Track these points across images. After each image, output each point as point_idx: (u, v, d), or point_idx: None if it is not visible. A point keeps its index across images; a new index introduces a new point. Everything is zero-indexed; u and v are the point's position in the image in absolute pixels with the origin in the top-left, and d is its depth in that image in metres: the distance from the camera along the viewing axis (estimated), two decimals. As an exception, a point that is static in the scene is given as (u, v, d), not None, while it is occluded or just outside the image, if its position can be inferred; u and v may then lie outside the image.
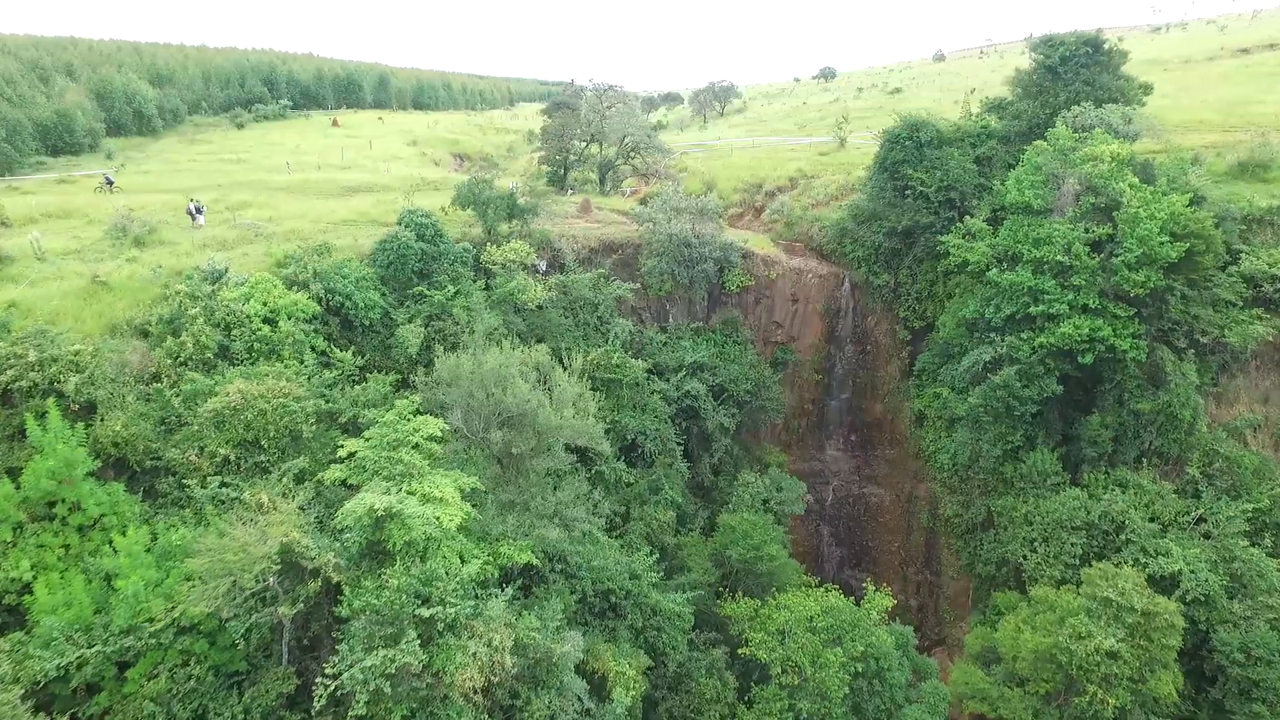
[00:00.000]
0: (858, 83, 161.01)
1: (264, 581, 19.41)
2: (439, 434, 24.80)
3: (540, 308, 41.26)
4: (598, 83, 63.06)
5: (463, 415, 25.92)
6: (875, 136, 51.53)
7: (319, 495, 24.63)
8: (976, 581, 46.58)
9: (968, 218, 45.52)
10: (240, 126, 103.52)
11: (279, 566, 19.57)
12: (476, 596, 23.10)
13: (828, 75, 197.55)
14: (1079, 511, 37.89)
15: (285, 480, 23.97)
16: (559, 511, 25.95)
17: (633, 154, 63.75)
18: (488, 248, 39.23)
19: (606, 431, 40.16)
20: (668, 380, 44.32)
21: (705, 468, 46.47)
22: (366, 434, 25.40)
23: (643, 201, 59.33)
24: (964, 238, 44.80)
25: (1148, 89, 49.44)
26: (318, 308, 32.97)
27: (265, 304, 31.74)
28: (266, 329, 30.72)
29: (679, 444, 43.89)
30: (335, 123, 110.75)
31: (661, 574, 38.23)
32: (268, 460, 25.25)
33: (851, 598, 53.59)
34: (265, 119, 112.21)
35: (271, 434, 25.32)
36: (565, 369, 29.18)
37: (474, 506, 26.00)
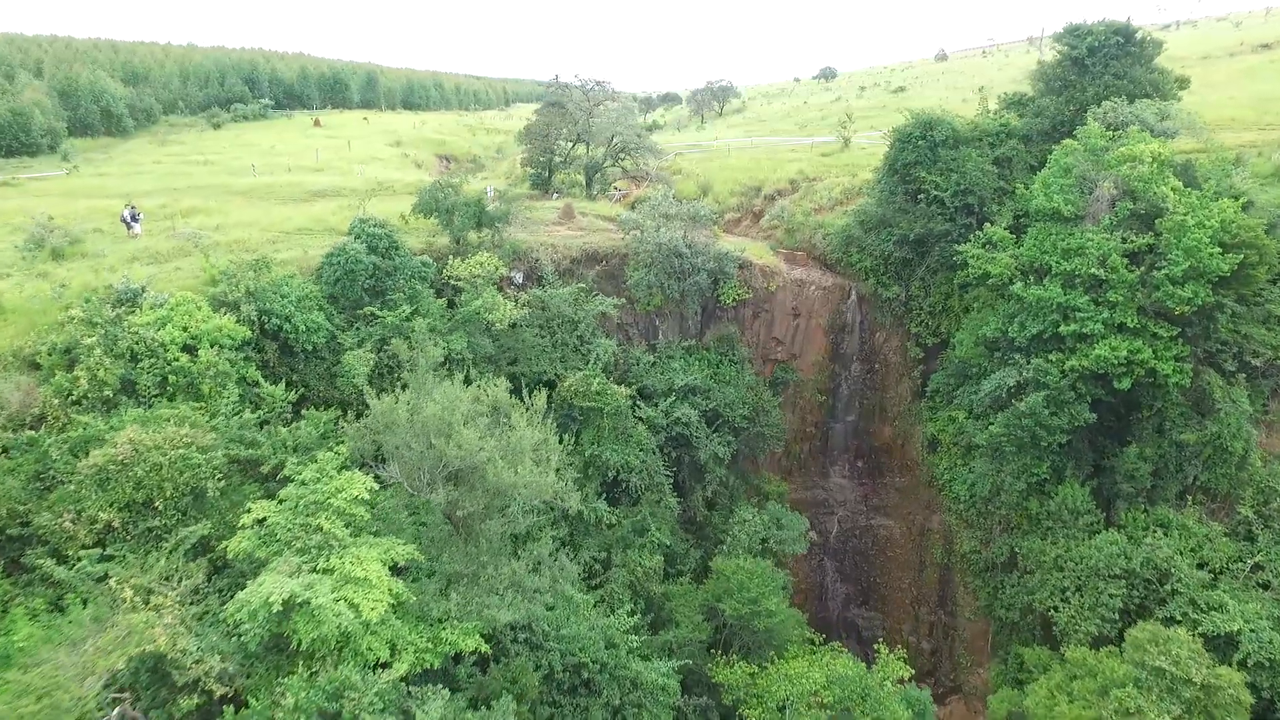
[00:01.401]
0: (859, 82, 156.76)
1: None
2: (366, 495, 20.47)
3: (514, 326, 36.96)
4: (585, 79, 58.67)
5: (401, 468, 21.59)
6: (884, 136, 47.24)
7: (222, 570, 20.28)
8: (996, 625, 42.24)
9: (987, 225, 41.21)
10: (216, 127, 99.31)
11: (128, 697, 15.22)
12: (409, 696, 18.78)
13: (828, 75, 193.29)
14: (1118, 558, 33.56)
15: (177, 554, 19.62)
16: (517, 584, 21.62)
17: (622, 155, 59.42)
18: (451, 261, 34.90)
19: (585, 466, 35.94)
20: (656, 405, 39.97)
21: (698, 501, 42.11)
22: (282, 494, 21.06)
23: (632, 206, 55.03)
24: (984, 247, 40.49)
25: (1184, 83, 45.13)
26: (248, 332, 28.64)
27: (185, 329, 27.42)
28: (184, 359, 26.39)
29: (668, 476, 39.56)
30: (317, 123, 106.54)
31: (646, 627, 33.93)
32: (162, 525, 20.91)
33: (857, 642, 49.44)
34: (245, 119, 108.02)
35: (168, 493, 21.00)
36: (529, 406, 24.81)
37: (413, 579, 21.70)
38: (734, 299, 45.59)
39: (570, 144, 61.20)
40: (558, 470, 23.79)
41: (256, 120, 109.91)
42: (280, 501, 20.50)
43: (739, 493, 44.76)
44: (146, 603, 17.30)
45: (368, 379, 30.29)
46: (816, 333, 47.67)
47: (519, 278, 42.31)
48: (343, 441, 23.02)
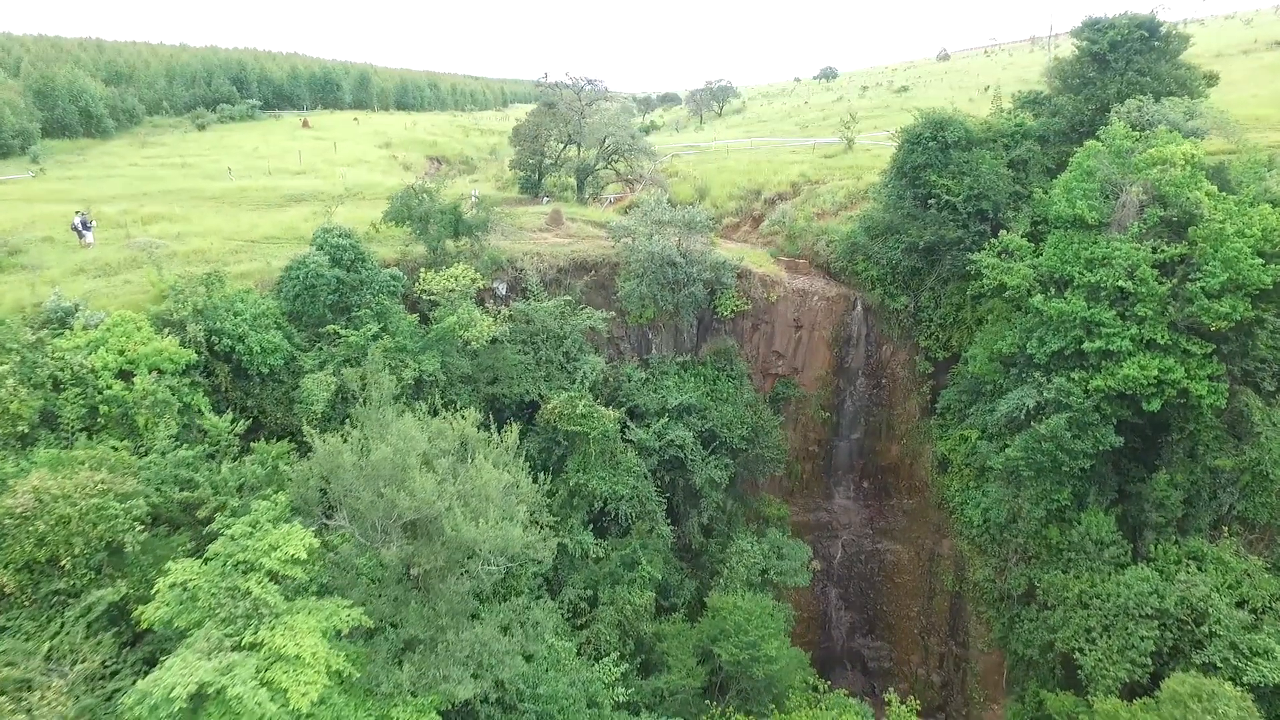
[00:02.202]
0: (860, 82, 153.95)
1: None
2: (304, 554, 17.70)
3: (495, 342, 34.20)
4: (576, 77, 55.90)
5: (350, 517, 18.85)
6: (892, 136, 44.46)
7: (143, 638, 17.53)
8: (1012, 659, 39.43)
9: (1003, 232, 38.41)
10: (201, 128, 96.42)
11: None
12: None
13: (829, 75, 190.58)
14: (1149, 596, 30.77)
15: (78, 626, 16.85)
16: (478, 654, 18.85)
17: (615, 157, 56.65)
18: (424, 274, 32.14)
19: (570, 495, 33.19)
20: (648, 426, 37.20)
21: (693, 527, 39.33)
22: (211, 549, 18.31)
23: (626, 210, 52.31)
24: (1000, 256, 37.71)
25: (1212, 79, 42.35)
26: (194, 355, 25.87)
27: (122, 353, 24.68)
28: (119, 387, 23.65)
29: (662, 502, 36.81)
30: (305, 124, 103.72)
31: (637, 670, 31.19)
32: (69, 588, 18.15)
33: (863, 674, 46.67)
34: (231, 119, 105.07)
35: (78, 550, 18.25)
36: (500, 439, 22.06)
37: (365, 640, 18.92)
38: (732, 310, 42.86)
39: (561, 146, 58.42)
40: (532, 515, 20.98)
41: (244, 121, 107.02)
42: (206, 560, 17.77)
43: (737, 518, 42.02)
44: (19, 702, 14.53)
45: (329, 405, 27.60)
46: (820, 346, 44.92)
47: (502, 289, 39.60)
48: (285, 487, 20.22)
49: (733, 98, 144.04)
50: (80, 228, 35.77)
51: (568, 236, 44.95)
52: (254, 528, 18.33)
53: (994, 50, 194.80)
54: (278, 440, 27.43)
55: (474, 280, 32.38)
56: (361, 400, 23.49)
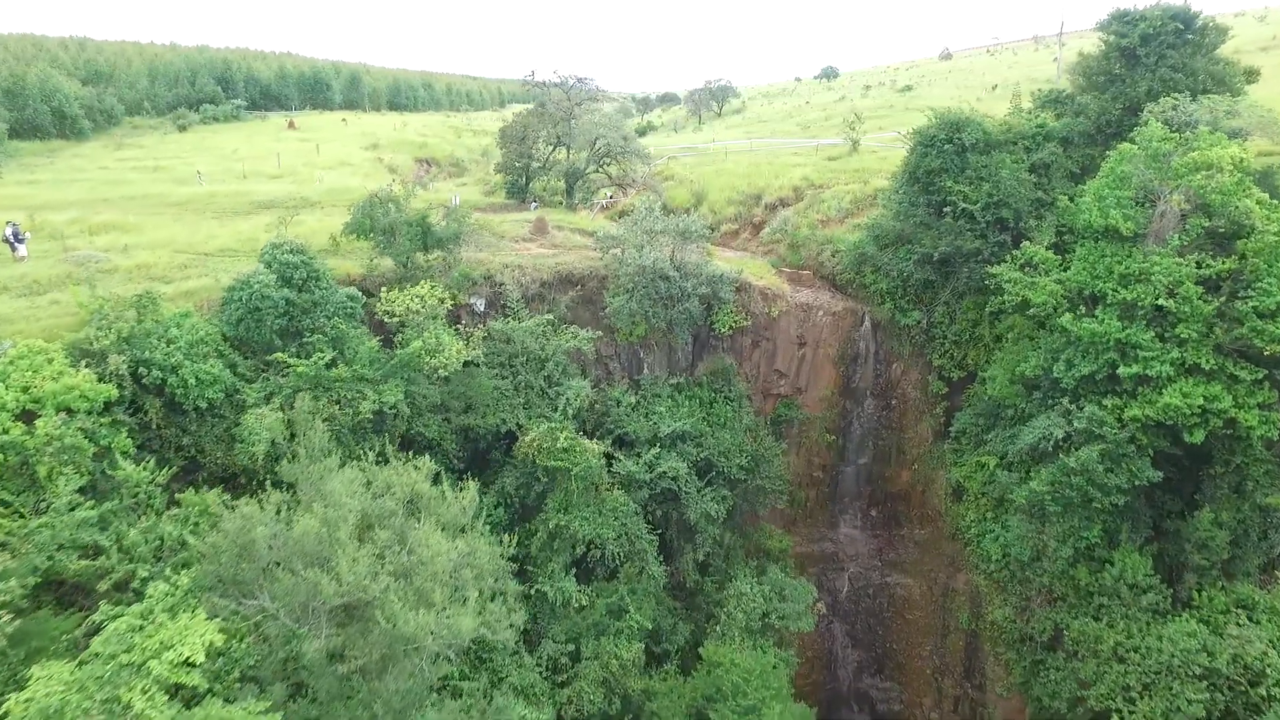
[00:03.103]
0: (862, 81, 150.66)
1: None
2: (203, 656, 14.47)
3: (470, 365, 30.99)
4: (565, 75, 52.70)
5: (273, 596, 15.65)
6: (902, 138, 41.24)
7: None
8: (1034, 707, 36.16)
9: (1025, 243, 35.20)
10: (182, 129, 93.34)
11: None
12: None
13: (829, 75, 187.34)
14: (1197, 654, 27.57)
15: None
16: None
17: (606, 160, 53.39)
18: (384, 294, 28.90)
19: (551, 537, 29.95)
20: (638, 456, 33.95)
21: (688, 564, 36.11)
22: (95, 644, 15.06)
23: (619, 216, 49.09)
24: (1022, 269, 34.49)
25: (1252, 74, 39.14)
26: (114, 391, 22.65)
27: (26, 390, 21.45)
28: (17, 430, 20.43)
29: (654, 538, 33.58)
30: (291, 124, 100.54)
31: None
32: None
33: (871, 717, 43.37)
34: (215, 120, 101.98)
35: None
36: (458, 496, 18.86)
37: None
38: (730, 327, 39.61)
39: (550, 148, 55.18)
40: (493, 586, 17.74)
41: (228, 122, 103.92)
42: (81, 664, 14.56)
43: (735, 552, 38.78)
44: None
45: (273, 444, 24.35)
46: (825, 364, 41.68)
47: (480, 305, 36.39)
48: (166, 578, 16.89)
49: (732, 98, 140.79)
50: (11, 239, 32.56)
51: (553, 247, 41.73)
52: (145, 619, 15.15)
53: (997, 50, 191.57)
54: (218, 485, 24.36)
55: (442, 300, 29.12)
56: (289, 454, 20.24)
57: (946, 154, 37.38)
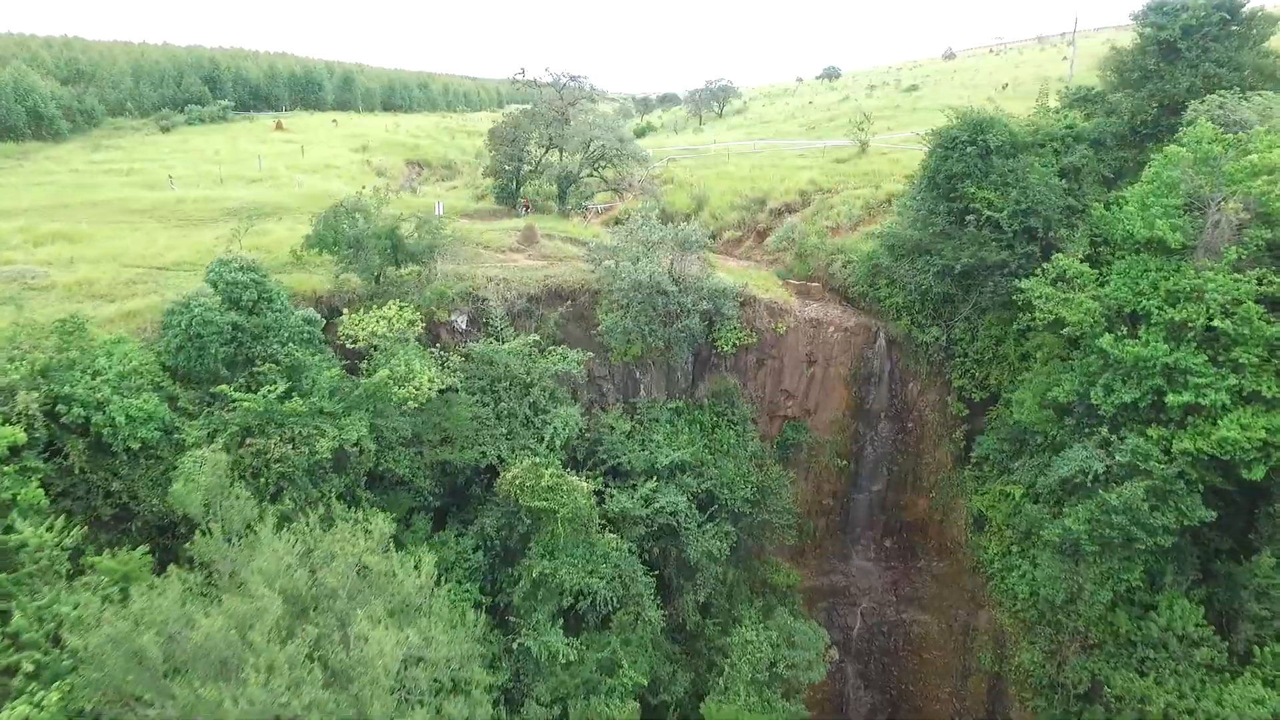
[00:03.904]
0: (865, 81, 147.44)
1: None
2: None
3: (449, 391, 27.94)
4: (557, 73, 49.64)
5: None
6: (921, 139, 38.18)
7: None
8: (1067, 760, 33.19)
9: (1057, 255, 32.12)
10: (165, 130, 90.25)
11: None
12: None
13: (831, 75, 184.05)
14: (1263, 723, 24.47)
15: None
16: None
17: (601, 163, 50.31)
18: (345, 316, 25.81)
19: (535, 586, 26.88)
20: (634, 489, 30.89)
21: (688, 605, 33.05)
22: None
23: (615, 222, 45.97)
24: (1055, 284, 31.41)
25: (1303, 71, 35.99)
26: (20, 435, 19.58)
27: (-84, 435, 18.38)
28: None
29: (651, 579, 30.49)
30: (279, 125, 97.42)
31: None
32: None
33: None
34: (201, 121, 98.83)
35: None
36: (416, 570, 15.80)
37: None
38: (734, 345, 36.55)
39: (542, 150, 52.11)
40: (453, 677, 14.66)
41: (215, 123, 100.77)
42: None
43: (739, 589, 35.75)
44: None
45: (218, 492, 21.23)
46: (836, 384, 38.61)
47: (461, 322, 33.35)
48: (81, 665, 13.90)
49: (734, 98, 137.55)
50: (-58, 254, 29.50)
51: (542, 258, 38.67)
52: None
53: (1000, 49, 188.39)
54: (153, 537, 21.35)
55: (412, 322, 26.00)
56: (203, 527, 17.15)
57: (969, 157, 34.29)
